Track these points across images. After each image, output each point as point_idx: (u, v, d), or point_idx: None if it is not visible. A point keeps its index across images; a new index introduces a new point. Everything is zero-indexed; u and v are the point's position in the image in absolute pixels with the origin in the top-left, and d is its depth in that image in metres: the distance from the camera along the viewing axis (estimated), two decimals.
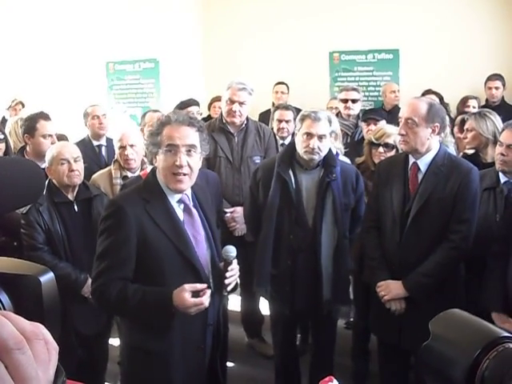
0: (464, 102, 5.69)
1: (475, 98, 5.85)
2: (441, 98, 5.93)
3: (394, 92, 6.45)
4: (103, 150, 5.06)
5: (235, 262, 2.45)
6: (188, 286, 2.24)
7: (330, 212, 3.28)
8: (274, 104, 6.48)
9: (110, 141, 5.08)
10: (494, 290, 2.80)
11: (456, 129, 4.62)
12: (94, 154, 4.91)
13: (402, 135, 3.03)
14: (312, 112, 3.27)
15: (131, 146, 3.71)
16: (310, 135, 3.22)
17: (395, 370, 3.38)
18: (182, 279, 2.30)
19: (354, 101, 5.38)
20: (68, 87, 7.58)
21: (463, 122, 4.12)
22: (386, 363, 3.43)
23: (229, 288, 2.46)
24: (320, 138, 3.21)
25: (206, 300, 2.28)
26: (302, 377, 3.73)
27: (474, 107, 5.53)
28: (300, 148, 3.27)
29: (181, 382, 2.43)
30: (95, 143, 5.01)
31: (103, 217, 2.40)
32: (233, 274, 2.43)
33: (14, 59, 7.89)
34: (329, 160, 3.32)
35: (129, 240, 2.30)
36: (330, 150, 3.37)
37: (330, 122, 3.25)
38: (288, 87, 6.92)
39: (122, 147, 3.73)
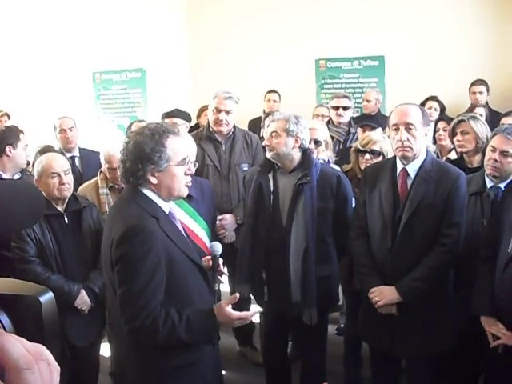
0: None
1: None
2: (442, 108, 5.95)
3: (369, 101, 6.35)
4: (76, 161, 5.03)
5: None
6: (224, 303, 2.34)
7: (301, 214, 3.30)
8: (264, 112, 6.50)
9: (83, 151, 5.09)
10: (483, 293, 2.81)
11: (443, 134, 4.64)
12: None
13: (404, 141, 2.97)
14: (272, 115, 3.47)
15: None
16: (267, 134, 3.40)
17: (387, 376, 3.37)
18: (199, 286, 2.44)
19: (345, 108, 5.41)
20: (54, 97, 7.55)
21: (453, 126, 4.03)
22: (378, 369, 3.42)
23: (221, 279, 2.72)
24: (271, 135, 3.34)
25: (251, 315, 2.45)
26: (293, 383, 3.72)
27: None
28: None
29: (213, 381, 2.57)
30: (68, 155, 4.92)
31: (125, 243, 2.22)
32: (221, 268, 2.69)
33: None
34: (305, 163, 3.36)
35: (160, 262, 2.24)
36: (308, 154, 3.41)
37: (286, 121, 3.31)
38: (280, 95, 6.95)
39: (112, 169, 3.70)
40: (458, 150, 3.92)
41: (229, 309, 2.33)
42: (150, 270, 2.22)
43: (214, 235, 3.60)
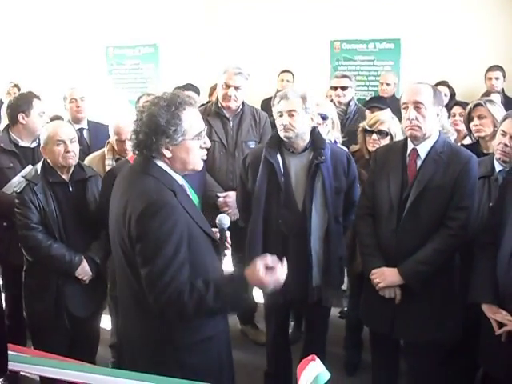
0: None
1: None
2: (452, 94, 5.86)
3: (389, 84, 6.30)
4: (85, 133, 4.95)
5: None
6: (259, 263, 2.21)
7: (320, 194, 3.24)
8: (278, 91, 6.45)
9: (91, 124, 5.01)
10: (484, 280, 2.74)
11: (459, 119, 4.56)
12: None
13: (412, 120, 2.94)
14: (283, 92, 3.32)
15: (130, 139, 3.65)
16: (281, 113, 3.24)
17: (386, 359, 3.37)
18: (213, 259, 2.37)
19: (343, 88, 5.36)
20: (67, 71, 7.57)
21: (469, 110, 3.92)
22: (378, 352, 3.42)
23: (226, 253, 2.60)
24: (290, 114, 3.21)
25: (282, 276, 2.27)
26: (294, 364, 3.71)
27: None
28: (278, 129, 3.29)
29: (225, 349, 2.50)
30: (76, 127, 4.79)
31: (148, 219, 2.13)
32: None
33: (12, 43, 7.87)
34: (317, 143, 3.29)
35: (184, 236, 2.18)
36: (318, 133, 3.35)
37: (303, 98, 3.21)
38: (293, 75, 6.90)
39: (121, 141, 3.67)
40: (476, 134, 3.81)
41: (262, 271, 2.21)
42: (175, 246, 2.14)
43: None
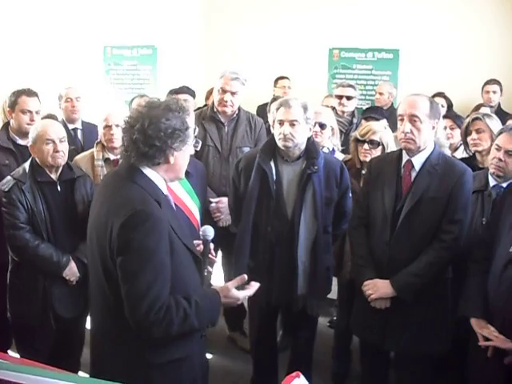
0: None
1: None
2: (449, 105, 5.86)
3: (382, 94, 6.32)
4: (79, 133, 4.92)
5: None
6: (231, 284, 2.32)
7: (310, 205, 3.23)
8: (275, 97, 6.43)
9: (85, 124, 4.98)
10: (474, 295, 2.73)
11: (450, 132, 4.54)
12: (69, 138, 4.74)
13: (406, 133, 2.93)
14: (284, 100, 3.28)
15: (117, 125, 3.60)
16: (281, 122, 3.21)
17: (376, 369, 3.35)
18: (194, 275, 2.28)
19: (348, 98, 5.35)
20: (64, 69, 7.53)
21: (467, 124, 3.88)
22: (368, 363, 3.40)
23: (210, 267, 2.53)
24: (291, 124, 3.18)
25: (253, 291, 2.39)
26: (281, 372, 3.68)
27: None
28: (276, 137, 3.26)
29: (200, 373, 2.42)
30: (70, 126, 4.83)
31: (133, 230, 2.02)
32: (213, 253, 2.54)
33: (10, 41, 7.83)
34: (311, 152, 3.27)
35: (168, 250, 2.09)
36: (312, 142, 3.33)
37: (304, 108, 3.19)
38: (290, 81, 6.89)
39: (108, 126, 3.65)
40: (473, 148, 3.79)
41: (235, 291, 2.31)
42: (161, 259, 2.06)
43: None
